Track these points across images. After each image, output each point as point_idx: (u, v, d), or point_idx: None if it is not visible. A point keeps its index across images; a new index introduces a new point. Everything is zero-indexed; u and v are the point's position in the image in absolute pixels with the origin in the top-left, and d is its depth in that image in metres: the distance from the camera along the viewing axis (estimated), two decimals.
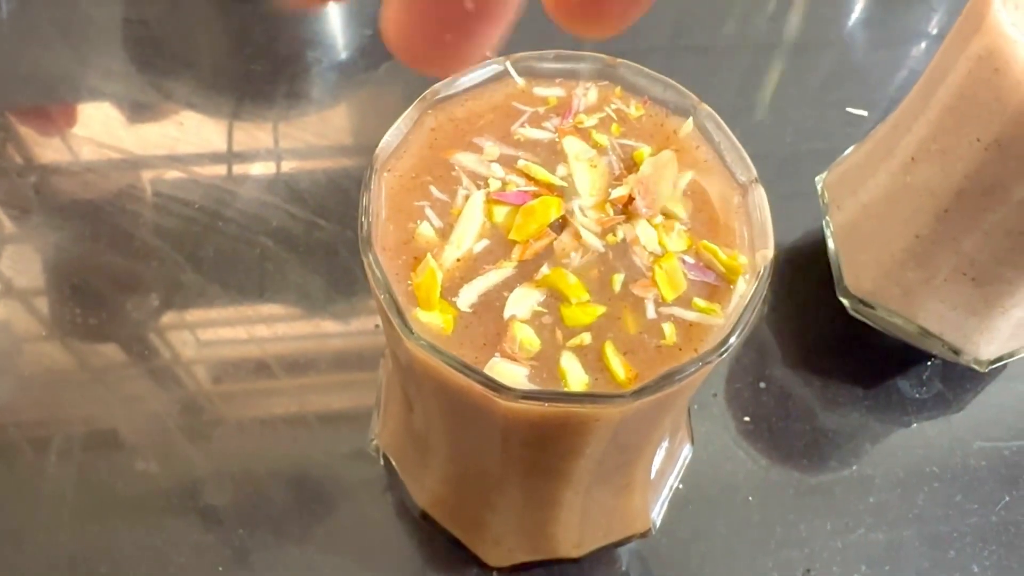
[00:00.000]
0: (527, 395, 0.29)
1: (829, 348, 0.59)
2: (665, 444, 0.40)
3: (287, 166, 0.64)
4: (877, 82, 0.72)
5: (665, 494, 0.46)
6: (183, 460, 0.52)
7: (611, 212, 0.33)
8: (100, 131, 0.65)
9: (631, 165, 0.34)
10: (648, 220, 0.33)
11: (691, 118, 0.35)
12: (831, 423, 0.56)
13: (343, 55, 0.71)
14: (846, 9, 0.77)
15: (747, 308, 0.30)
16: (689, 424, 0.49)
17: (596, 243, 0.33)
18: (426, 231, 0.33)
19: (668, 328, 0.31)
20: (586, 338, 0.31)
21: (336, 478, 0.52)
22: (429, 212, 0.33)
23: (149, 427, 0.52)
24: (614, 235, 0.33)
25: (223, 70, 0.69)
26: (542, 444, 0.34)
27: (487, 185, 0.34)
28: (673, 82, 0.35)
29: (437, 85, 0.35)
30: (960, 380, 0.58)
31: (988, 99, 0.40)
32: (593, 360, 0.31)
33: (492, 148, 0.35)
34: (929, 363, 0.58)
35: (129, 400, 0.53)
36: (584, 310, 0.31)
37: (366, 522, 0.51)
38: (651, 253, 0.33)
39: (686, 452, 0.46)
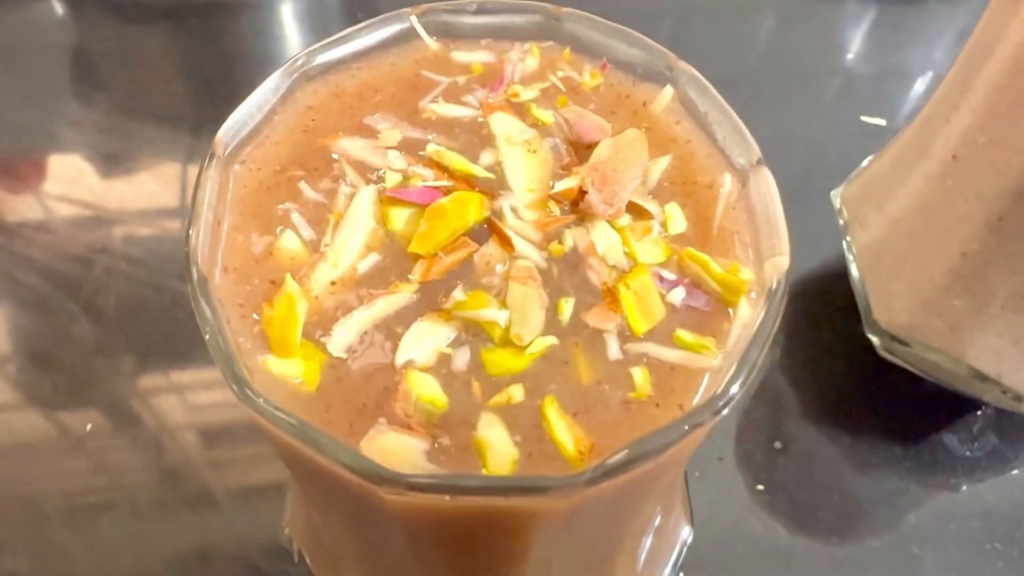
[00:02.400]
0: (418, 486, 0.18)
1: (857, 397, 0.48)
2: (653, 527, 0.30)
3: None
4: (895, 88, 0.63)
5: None
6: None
7: (556, 211, 0.23)
8: (70, 185, 0.59)
9: (583, 149, 0.24)
10: (609, 221, 0.23)
11: (668, 85, 0.25)
12: (863, 487, 0.45)
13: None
14: (855, 10, 0.69)
15: (755, 342, 0.20)
16: (686, 499, 0.38)
17: (534, 254, 0.23)
18: (290, 244, 0.23)
19: (639, 374, 0.21)
20: (516, 393, 0.21)
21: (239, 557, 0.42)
22: (296, 218, 0.23)
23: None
24: (560, 243, 0.23)
25: (177, 110, 0.62)
26: (465, 548, 0.23)
27: (382, 180, 0.24)
28: (642, 36, 0.25)
29: (316, 46, 0.25)
30: (1020, 433, 0.47)
31: None
32: (528, 426, 0.20)
33: (391, 131, 0.25)
34: (980, 412, 0.48)
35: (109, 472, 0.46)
36: (515, 352, 0.21)
37: None
38: (613, 267, 0.23)
39: (684, 535, 0.36)
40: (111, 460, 0.46)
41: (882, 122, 0.59)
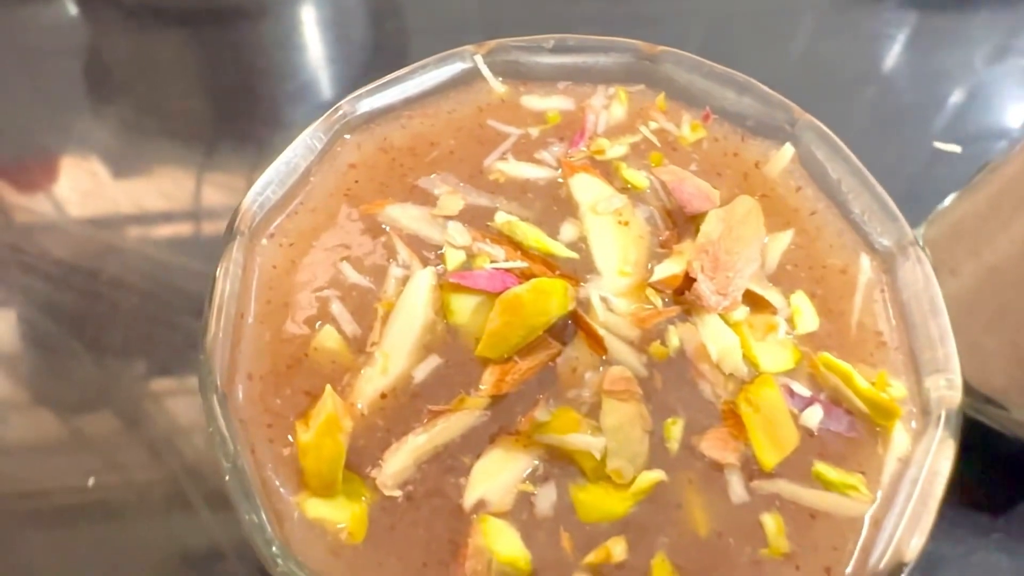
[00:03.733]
0: None
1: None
2: None
3: None
4: (966, 110, 0.58)
5: None
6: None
7: (657, 302, 0.19)
8: (80, 188, 0.57)
9: (685, 221, 0.20)
10: (722, 316, 0.19)
11: (787, 142, 0.21)
12: (945, 561, 0.41)
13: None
14: (922, 27, 0.64)
15: (928, 490, 0.15)
16: None
17: (631, 359, 0.18)
18: (329, 342, 0.18)
19: (771, 523, 0.16)
20: (617, 548, 0.16)
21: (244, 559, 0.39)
22: (337, 308, 0.19)
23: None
24: (663, 343, 0.18)
25: (192, 114, 0.60)
26: None
27: (441, 260, 0.19)
28: (755, 82, 0.20)
29: (362, 91, 0.20)
30: None
31: None
32: None
33: (451, 196, 0.20)
34: None
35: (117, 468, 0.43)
36: (613, 491, 0.17)
37: None
38: (731, 375, 0.18)
39: None
40: (120, 460, 0.44)
41: (957, 148, 0.54)
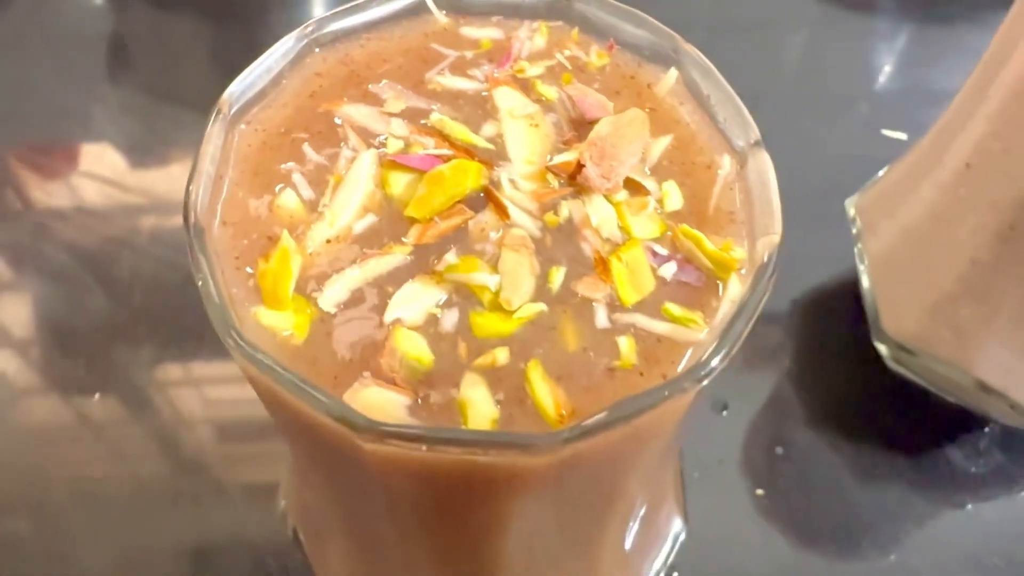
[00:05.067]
0: (395, 433, 0.19)
1: (863, 407, 0.48)
2: (640, 516, 0.30)
3: None
4: (919, 104, 0.62)
5: None
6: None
7: (554, 183, 0.24)
8: (101, 174, 0.59)
9: (584, 126, 0.24)
10: (606, 195, 0.23)
11: (673, 67, 0.26)
12: (865, 499, 0.45)
13: None
14: (880, 26, 0.68)
15: (739, 316, 0.20)
16: (681, 494, 0.38)
17: (529, 223, 0.23)
18: (289, 202, 0.23)
19: (625, 344, 0.21)
20: (501, 355, 0.21)
21: (245, 551, 0.42)
22: (297, 178, 0.24)
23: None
24: (556, 214, 0.23)
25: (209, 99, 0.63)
26: (444, 515, 0.23)
27: (383, 145, 0.24)
28: (649, 19, 0.25)
29: (328, 15, 0.25)
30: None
31: None
32: (511, 387, 0.21)
33: (396, 100, 0.25)
34: (987, 429, 0.47)
35: (123, 461, 0.45)
36: (503, 316, 0.21)
37: None
38: (607, 239, 0.23)
39: (676, 529, 0.36)
40: (125, 446, 0.46)
41: (903, 136, 0.59)
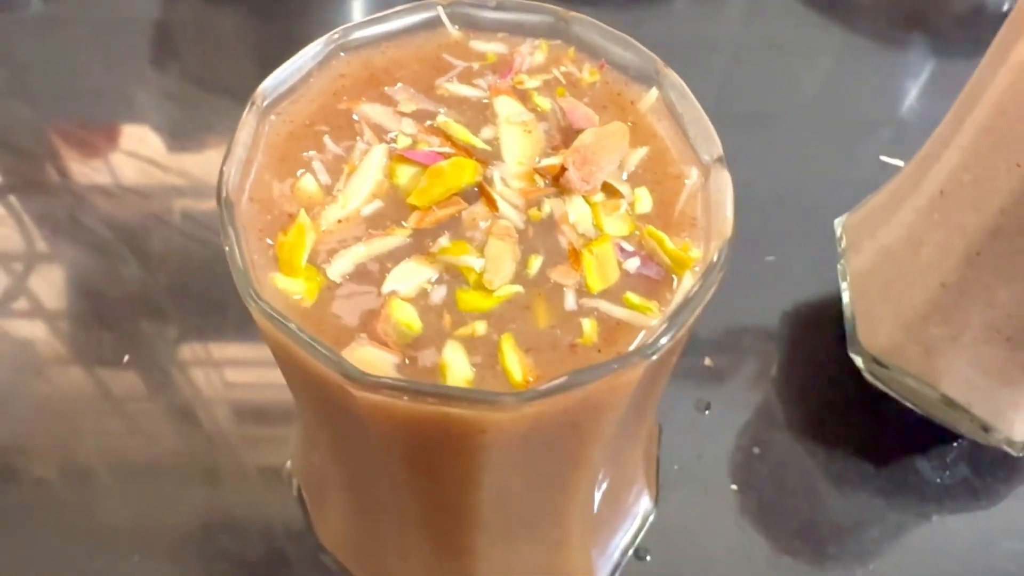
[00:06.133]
0: (383, 384, 0.22)
1: (839, 415, 0.51)
2: (603, 487, 0.33)
3: None
4: (918, 131, 0.65)
5: (617, 558, 0.38)
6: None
7: (540, 183, 0.27)
8: (139, 154, 0.62)
9: (572, 134, 0.28)
10: (585, 197, 0.27)
11: (654, 88, 0.29)
12: (832, 501, 0.48)
13: None
14: (885, 54, 0.71)
15: (687, 306, 0.23)
16: (655, 479, 0.41)
17: (515, 216, 0.26)
18: (308, 185, 0.27)
19: (588, 324, 0.24)
20: (480, 327, 0.24)
21: (250, 506, 0.45)
22: (317, 165, 0.27)
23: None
24: (539, 209, 0.27)
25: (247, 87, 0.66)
26: (427, 462, 0.27)
27: (394, 141, 0.28)
28: (636, 43, 0.29)
29: (353, 24, 0.29)
30: (992, 466, 0.49)
31: None
32: (486, 355, 0.24)
33: (408, 102, 0.29)
34: (956, 444, 0.50)
35: (145, 434, 0.48)
36: (485, 294, 0.25)
37: (274, 563, 0.44)
38: (582, 235, 0.26)
39: (645, 507, 0.39)
40: (145, 419, 0.48)
41: (900, 163, 0.62)
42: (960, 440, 0.49)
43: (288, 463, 0.42)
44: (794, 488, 0.48)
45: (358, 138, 0.28)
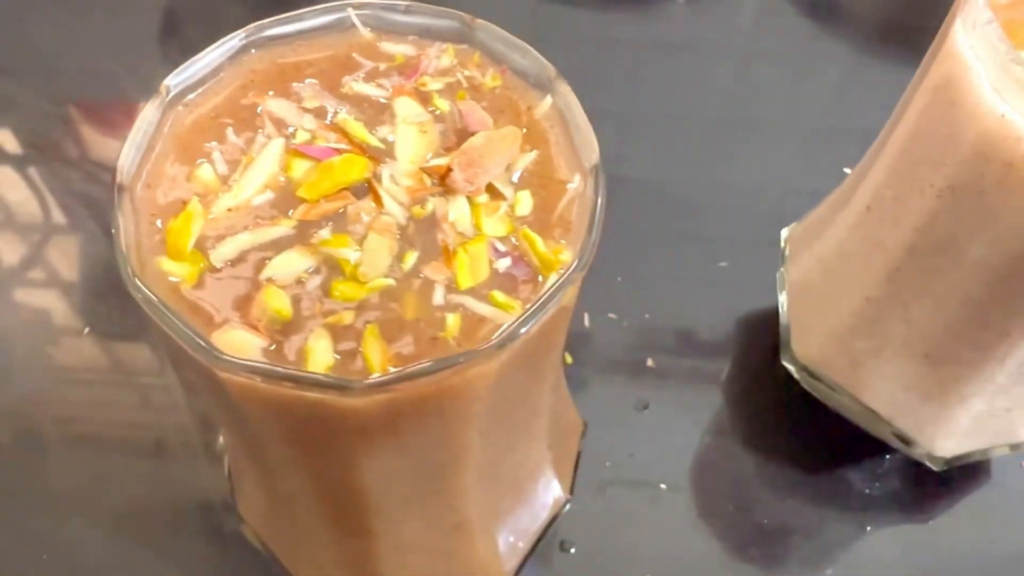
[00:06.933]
0: (239, 366, 0.24)
1: (775, 421, 0.52)
2: (498, 476, 0.34)
3: None
4: None
5: (523, 548, 0.39)
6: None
7: (428, 182, 0.28)
8: None
9: (467, 136, 0.29)
10: (469, 197, 0.28)
11: (549, 96, 0.30)
12: (760, 504, 0.49)
13: None
14: (863, 64, 0.71)
15: (536, 308, 0.25)
16: (571, 470, 0.42)
17: (399, 213, 0.28)
18: (205, 174, 0.28)
19: (452, 319, 0.26)
20: (347, 316, 0.26)
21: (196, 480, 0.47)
22: (216, 155, 0.29)
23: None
24: (422, 207, 0.28)
25: None
26: (304, 444, 0.28)
27: (293, 136, 0.29)
28: (534, 51, 0.30)
29: (267, 21, 0.30)
30: (922, 481, 0.50)
31: (942, 136, 0.34)
32: (350, 343, 0.25)
33: (312, 98, 0.30)
34: (889, 456, 0.50)
35: (160, 408, 0.49)
36: (357, 286, 0.26)
37: (205, 535, 0.45)
38: (460, 233, 0.27)
39: (556, 498, 0.40)
40: (158, 397, 0.49)
41: None
42: (895, 452, 0.50)
43: (219, 441, 0.43)
44: (723, 491, 0.49)
45: (260, 131, 0.29)
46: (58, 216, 0.59)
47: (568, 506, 0.42)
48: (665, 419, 0.52)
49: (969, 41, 0.33)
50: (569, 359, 0.51)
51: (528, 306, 0.25)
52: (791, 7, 0.75)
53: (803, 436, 0.51)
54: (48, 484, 0.47)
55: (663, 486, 0.49)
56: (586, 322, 0.55)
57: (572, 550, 0.46)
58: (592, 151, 0.28)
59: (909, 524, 0.49)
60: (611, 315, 0.55)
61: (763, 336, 0.55)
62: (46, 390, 0.50)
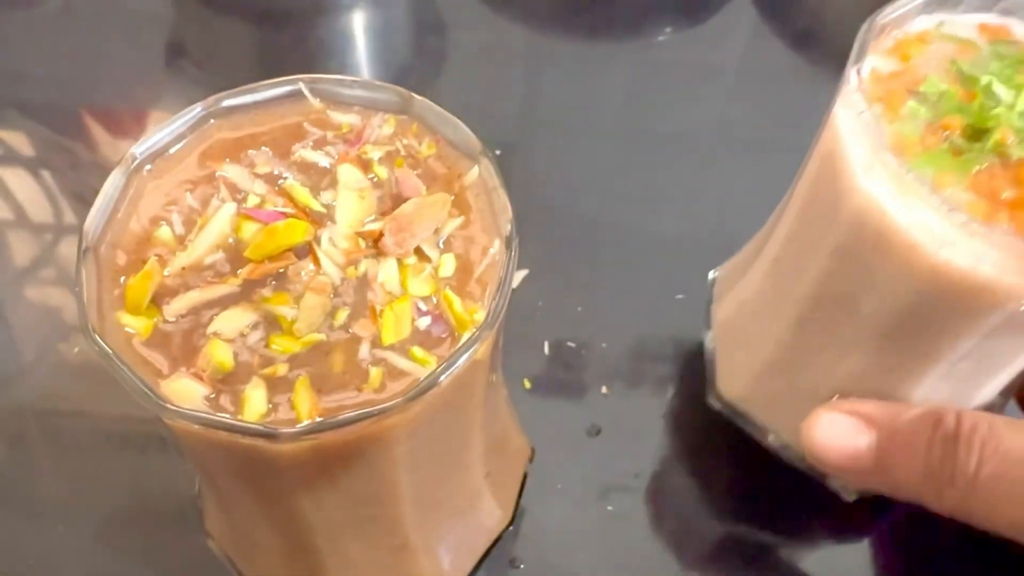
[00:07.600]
0: (180, 414, 0.27)
1: (714, 451, 0.55)
2: (437, 504, 0.38)
3: None
4: None
5: (468, 566, 0.43)
6: None
7: (362, 245, 0.32)
8: None
9: (401, 202, 0.33)
10: (399, 260, 0.31)
11: (476, 166, 0.34)
12: (700, 530, 0.52)
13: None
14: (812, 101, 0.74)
15: (447, 363, 0.28)
16: (515, 495, 0.45)
17: (334, 273, 0.31)
18: (164, 234, 0.32)
19: (375, 372, 0.29)
20: (281, 368, 0.29)
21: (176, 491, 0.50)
22: (175, 217, 0.32)
23: None
24: (356, 268, 0.31)
25: None
26: (246, 478, 0.32)
27: (244, 200, 0.33)
28: (462, 125, 0.33)
29: (225, 93, 0.34)
30: (850, 507, 0.52)
31: (829, 201, 0.37)
32: (283, 393, 0.29)
33: (264, 165, 0.34)
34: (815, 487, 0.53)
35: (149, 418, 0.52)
36: (293, 340, 0.30)
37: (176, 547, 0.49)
38: (389, 293, 0.31)
39: (497, 521, 0.43)
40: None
41: None
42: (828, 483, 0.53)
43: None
44: (665, 515, 0.52)
45: (215, 196, 0.33)
46: (69, 216, 0.62)
47: (511, 527, 0.45)
48: (615, 445, 0.55)
49: (848, 124, 0.36)
50: (528, 384, 0.55)
51: (442, 362, 0.29)
52: (779, 41, 0.77)
53: (741, 465, 0.54)
54: (33, 491, 0.50)
55: (610, 508, 0.52)
56: (545, 350, 0.58)
57: (522, 566, 0.49)
58: (507, 221, 0.31)
59: (842, 546, 0.52)
60: (570, 343, 0.58)
61: (705, 371, 0.58)
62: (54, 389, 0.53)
